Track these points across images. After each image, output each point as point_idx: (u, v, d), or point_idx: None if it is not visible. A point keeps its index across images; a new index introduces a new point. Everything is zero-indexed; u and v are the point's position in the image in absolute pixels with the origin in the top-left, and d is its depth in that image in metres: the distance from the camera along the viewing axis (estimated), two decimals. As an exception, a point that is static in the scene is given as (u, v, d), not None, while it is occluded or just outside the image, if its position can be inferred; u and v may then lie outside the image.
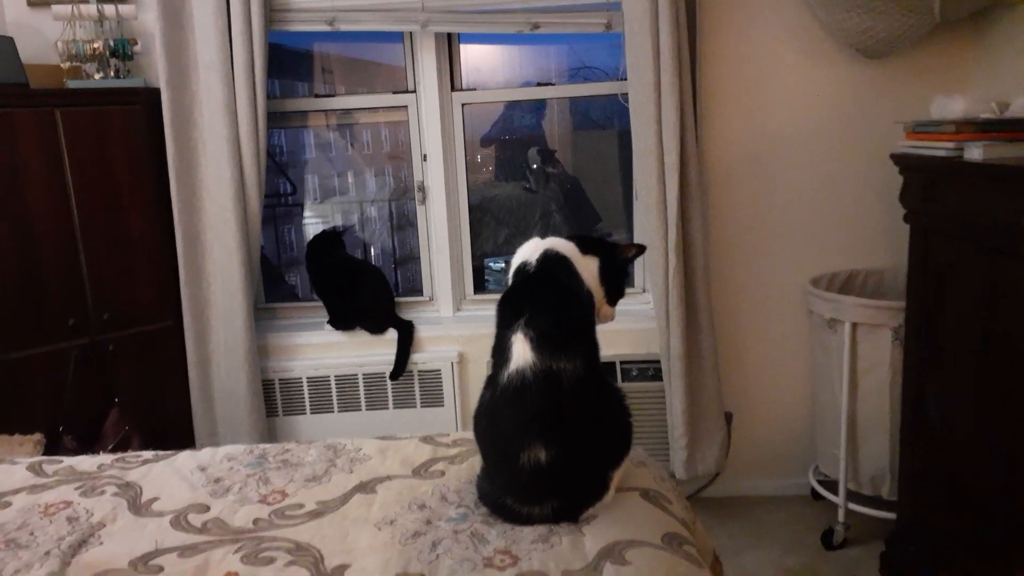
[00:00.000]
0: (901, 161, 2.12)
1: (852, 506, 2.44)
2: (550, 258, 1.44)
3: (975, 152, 1.82)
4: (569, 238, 1.50)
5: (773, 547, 2.50)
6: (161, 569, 1.28)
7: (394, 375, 2.71)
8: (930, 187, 2.02)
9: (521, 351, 1.32)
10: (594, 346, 1.41)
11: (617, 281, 1.51)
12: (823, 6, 2.39)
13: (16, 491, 1.58)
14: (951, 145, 1.91)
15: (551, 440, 1.32)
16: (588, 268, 1.46)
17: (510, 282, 1.47)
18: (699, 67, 2.49)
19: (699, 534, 1.50)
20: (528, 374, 1.31)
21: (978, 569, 1.85)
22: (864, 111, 2.55)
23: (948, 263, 1.94)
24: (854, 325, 2.32)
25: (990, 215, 1.74)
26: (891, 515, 2.30)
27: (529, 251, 1.46)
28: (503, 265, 3.18)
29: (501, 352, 1.36)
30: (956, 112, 2.01)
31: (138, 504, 1.51)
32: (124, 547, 1.35)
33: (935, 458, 2.04)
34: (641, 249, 1.57)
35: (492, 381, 1.38)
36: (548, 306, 1.37)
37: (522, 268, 1.45)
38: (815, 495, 2.67)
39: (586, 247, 1.48)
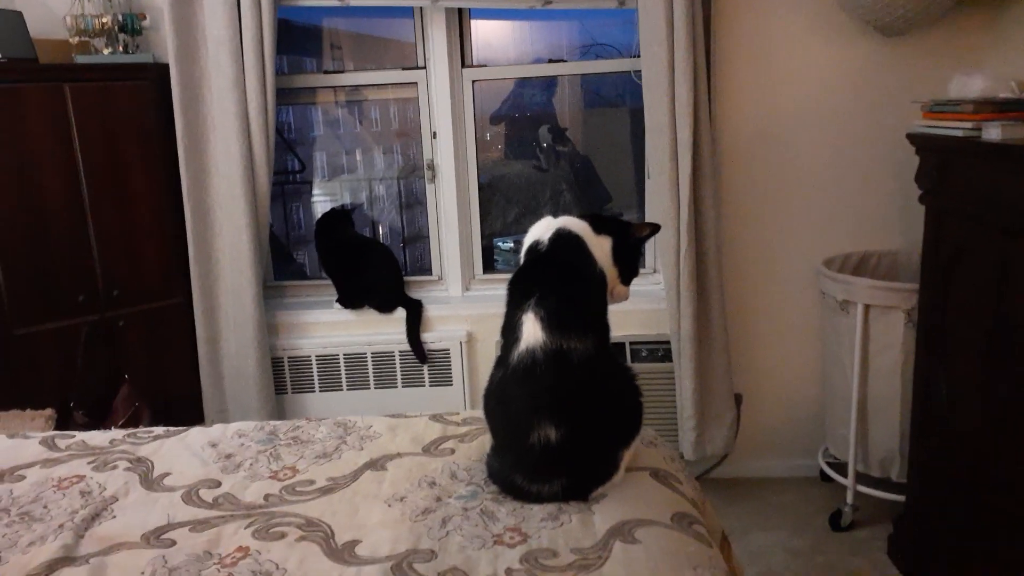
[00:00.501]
0: (917, 141, 2.09)
1: (861, 488, 2.44)
2: (562, 237, 1.43)
3: (993, 132, 1.79)
4: (582, 217, 1.49)
5: (781, 528, 2.51)
6: (173, 543, 1.29)
7: (421, 358, 2.70)
8: (946, 167, 1.99)
9: (531, 330, 1.31)
10: (605, 326, 1.40)
11: (631, 261, 1.50)
12: (841, -18, 2.35)
13: (30, 465, 1.60)
14: (969, 125, 1.88)
15: (561, 419, 1.31)
16: (601, 247, 1.45)
17: (522, 261, 1.46)
18: (713, 44, 2.46)
19: (708, 514, 1.50)
20: (538, 353, 1.30)
21: (987, 554, 1.85)
22: (880, 90, 2.51)
23: (962, 245, 1.92)
24: (866, 307, 2.30)
25: (1007, 197, 1.71)
26: (900, 497, 2.29)
27: (541, 230, 1.45)
28: (512, 245, 3.17)
29: (511, 331, 1.35)
30: (975, 91, 1.98)
31: (150, 479, 1.52)
32: (137, 521, 1.36)
33: (944, 443, 2.03)
34: (655, 228, 1.56)
35: (502, 360, 1.38)
36: (559, 286, 1.37)
37: (534, 247, 1.44)
38: (824, 477, 2.66)
39: (599, 226, 1.47)
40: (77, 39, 2.47)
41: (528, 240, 1.47)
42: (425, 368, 2.74)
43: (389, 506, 1.38)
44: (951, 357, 1.99)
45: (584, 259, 1.41)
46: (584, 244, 1.42)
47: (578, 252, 1.42)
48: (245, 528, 1.33)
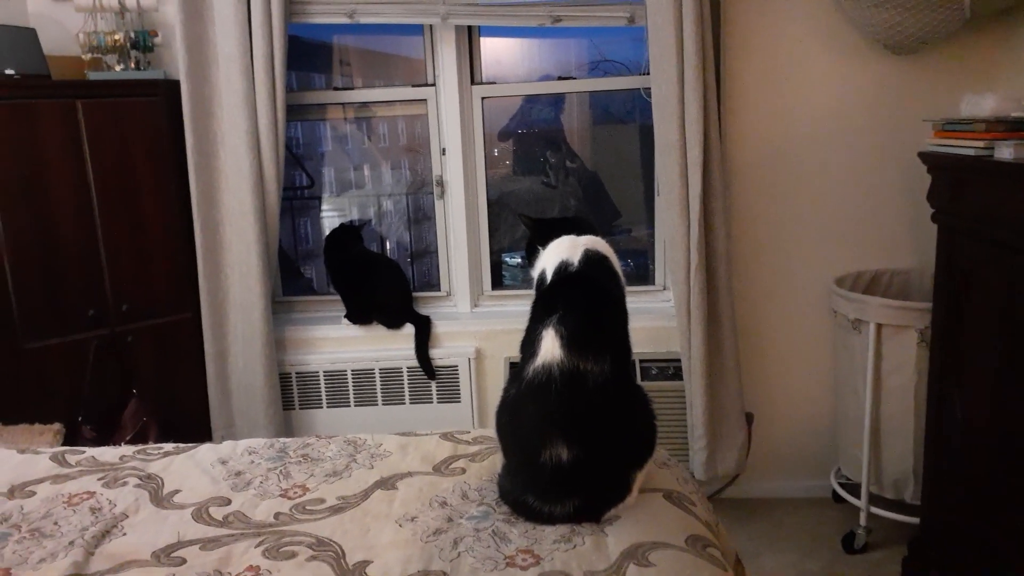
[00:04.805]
0: (929, 160, 2.08)
1: (874, 510, 2.41)
2: (592, 259, 1.44)
3: (1006, 151, 1.79)
4: (583, 227, 1.50)
5: (793, 550, 2.48)
6: (184, 561, 1.28)
7: (430, 374, 2.69)
8: (958, 186, 1.98)
9: (550, 347, 1.31)
10: (625, 348, 1.40)
11: None
12: (852, 1, 2.35)
13: (40, 481, 1.59)
14: (981, 144, 1.88)
15: (573, 439, 1.30)
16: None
17: (548, 281, 1.45)
18: (723, 62, 2.47)
19: (722, 537, 1.48)
20: (555, 370, 1.30)
21: None
22: (891, 108, 2.50)
23: (975, 264, 1.91)
24: (879, 326, 2.28)
25: (1019, 216, 1.70)
26: (914, 519, 2.27)
27: (567, 251, 1.45)
28: (520, 260, 3.16)
29: (530, 345, 1.35)
30: (986, 110, 1.97)
31: (160, 496, 1.51)
32: (147, 538, 1.35)
33: (959, 462, 2.01)
34: None
35: (517, 376, 1.37)
36: (583, 305, 1.37)
37: (564, 268, 1.43)
38: (836, 498, 2.64)
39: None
40: (89, 56, 2.48)
41: (554, 261, 1.46)
42: (433, 385, 2.72)
43: (400, 526, 1.37)
44: (965, 377, 1.97)
45: (611, 278, 1.42)
46: (610, 263, 1.44)
47: (606, 271, 1.43)
48: (255, 547, 1.31)
